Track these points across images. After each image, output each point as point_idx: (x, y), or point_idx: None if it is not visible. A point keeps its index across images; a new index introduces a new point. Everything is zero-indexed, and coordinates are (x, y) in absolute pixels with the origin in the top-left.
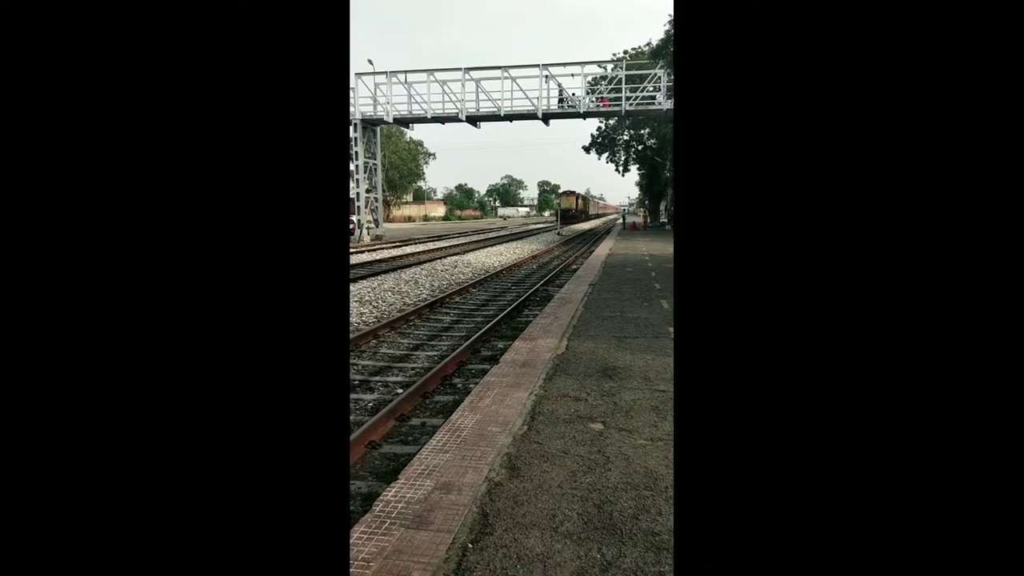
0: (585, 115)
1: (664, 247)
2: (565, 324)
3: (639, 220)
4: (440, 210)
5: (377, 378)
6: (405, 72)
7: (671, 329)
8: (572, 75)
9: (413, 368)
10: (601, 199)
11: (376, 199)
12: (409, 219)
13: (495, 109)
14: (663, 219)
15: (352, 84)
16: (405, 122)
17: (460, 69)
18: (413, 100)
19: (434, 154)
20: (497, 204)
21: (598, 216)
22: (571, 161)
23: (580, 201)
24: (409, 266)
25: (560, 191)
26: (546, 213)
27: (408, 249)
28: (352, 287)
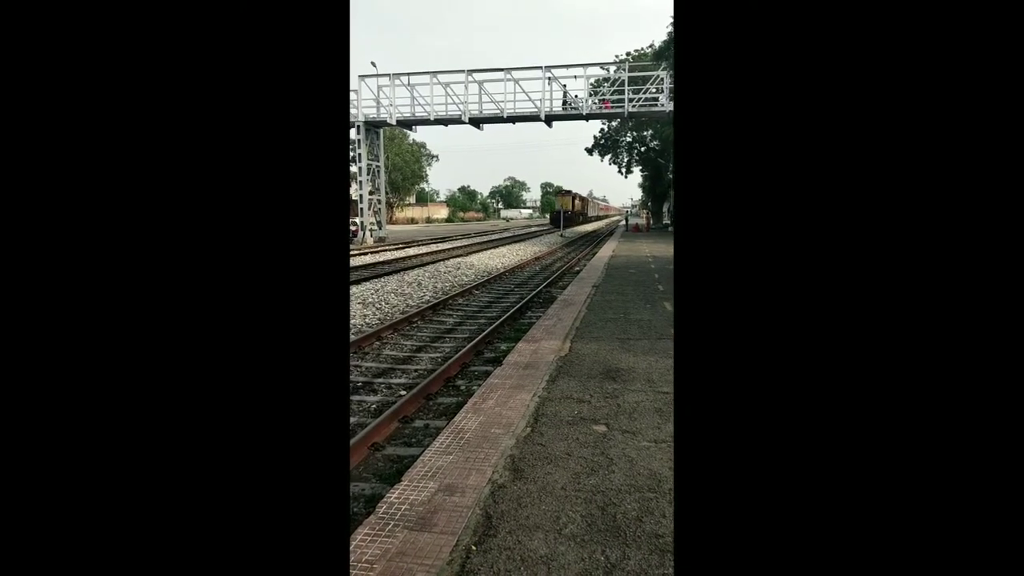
0: (588, 117)
1: (667, 249)
2: (568, 326)
3: (642, 222)
4: (443, 212)
5: (380, 380)
6: (408, 74)
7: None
8: (575, 77)
9: (416, 370)
10: (604, 200)
11: (379, 201)
12: (412, 221)
13: (498, 111)
14: (666, 221)
15: (355, 86)
16: (408, 124)
17: (463, 71)
18: (416, 102)
19: (437, 156)
20: (500, 206)
21: (599, 218)
22: (574, 163)
23: (578, 202)
24: (412, 268)
25: (552, 190)
26: (549, 215)
27: (411, 251)
28: (356, 289)
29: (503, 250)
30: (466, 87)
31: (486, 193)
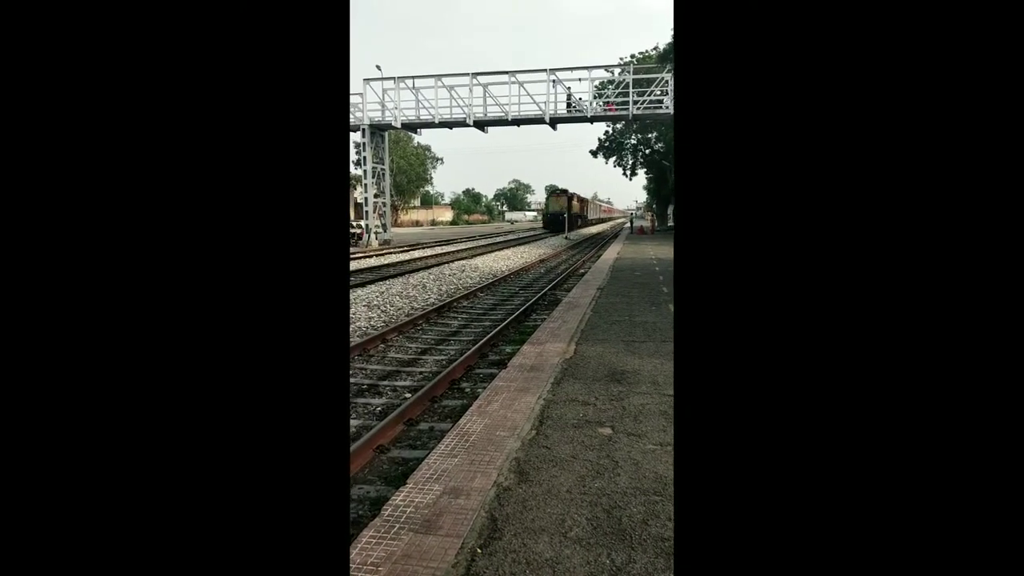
0: (592, 119)
1: (672, 251)
2: (573, 328)
3: (647, 224)
4: (448, 215)
5: (385, 382)
6: (413, 78)
7: None
8: (579, 79)
9: (421, 372)
10: (608, 202)
11: (384, 204)
12: (417, 223)
13: (503, 114)
14: (671, 223)
15: (360, 90)
16: (413, 127)
17: (468, 74)
18: (421, 105)
19: (442, 159)
20: (504, 208)
21: (601, 220)
22: (578, 165)
23: (576, 203)
24: (417, 270)
25: (547, 190)
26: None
27: (416, 253)
28: (360, 291)
29: (508, 252)
30: (471, 90)
31: (491, 196)
